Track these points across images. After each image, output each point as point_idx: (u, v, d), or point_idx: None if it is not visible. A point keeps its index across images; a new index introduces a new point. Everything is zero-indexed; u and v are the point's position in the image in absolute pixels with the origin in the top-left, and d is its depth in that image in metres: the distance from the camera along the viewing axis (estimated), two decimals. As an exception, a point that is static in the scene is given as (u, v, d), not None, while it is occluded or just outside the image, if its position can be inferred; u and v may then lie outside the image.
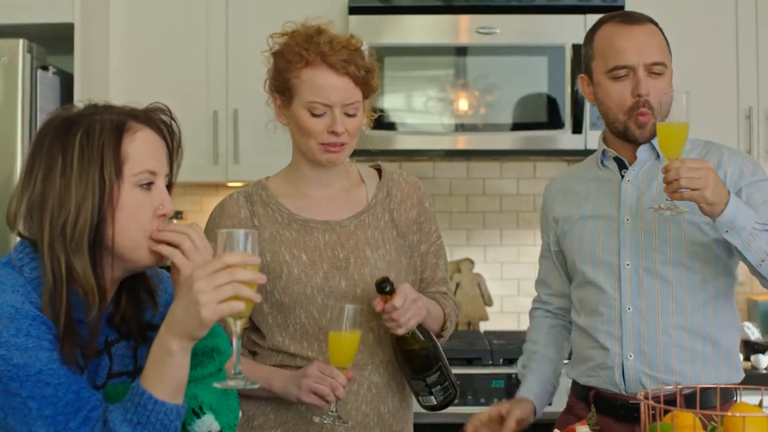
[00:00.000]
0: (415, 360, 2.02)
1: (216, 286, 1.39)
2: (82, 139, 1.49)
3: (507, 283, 3.91)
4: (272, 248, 2.06)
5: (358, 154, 2.29)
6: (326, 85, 1.99)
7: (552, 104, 3.37)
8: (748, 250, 1.94)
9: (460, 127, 3.41)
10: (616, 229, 2.16)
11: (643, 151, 2.16)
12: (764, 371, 3.24)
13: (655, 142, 2.12)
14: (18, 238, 1.57)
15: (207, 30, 3.55)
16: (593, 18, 2.38)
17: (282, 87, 2.04)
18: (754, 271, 1.99)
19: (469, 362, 3.21)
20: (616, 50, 2.10)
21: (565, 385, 2.32)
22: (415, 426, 2.23)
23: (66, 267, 1.47)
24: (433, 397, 2.06)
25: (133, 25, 3.56)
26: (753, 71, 3.48)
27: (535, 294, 2.43)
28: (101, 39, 3.52)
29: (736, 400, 1.94)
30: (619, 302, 2.14)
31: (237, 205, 2.12)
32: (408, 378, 2.07)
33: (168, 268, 1.57)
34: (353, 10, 3.40)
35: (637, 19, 2.14)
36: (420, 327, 2.01)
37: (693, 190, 1.88)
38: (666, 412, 1.61)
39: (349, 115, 2.02)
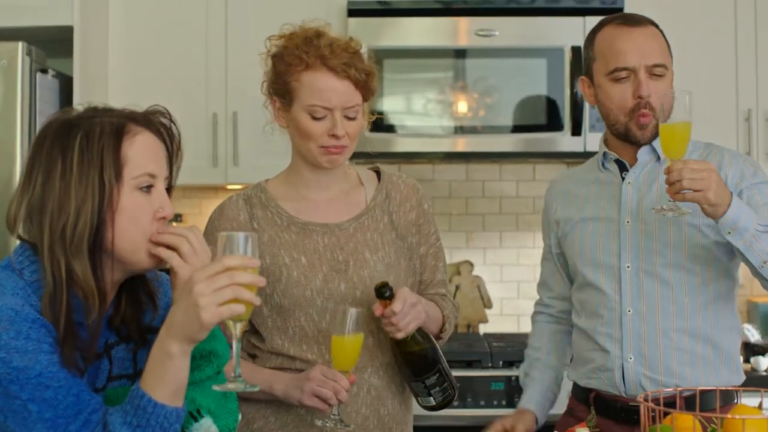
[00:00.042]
0: (414, 362, 2.02)
1: (216, 289, 1.39)
2: (81, 142, 1.49)
3: (506, 286, 3.91)
4: (271, 251, 2.06)
5: (357, 156, 2.29)
6: (327, 88, 1.99)
7: (551, 106, 3.37)
8: (751, 252, 1.94)
9: (460, 130, 3.41)
10: (617, 231, 2.16)
11: (643, 153, 2.16)
12: (764, 373, 3.24)
13: (655, 144, 2.13)
14: (18, 241, 1.57)
15: (206, 32, 3.55)
16: (592, 20, 2.38)
17: (282, 90, 2.04)
18: (755, 272, 1.99)
19: (468, 365, 3.21)
20: (617, 52, 2.10)
21: (565, 387, 2.33)
22: (415, 428, 2.23)
23: (66, 270, 1.47)
24: (432, 398, 2.07)
25: (132, 27, 3.56)
26: (752, 73, 3.48)
27: (537, 297, 2.43)
28: (100, 42, 3.52)
29: (736, 403, 1.94)
30: (620, 304, 2.14)
31: (236, 208, 2.12)
32: (407, 379, 2.07)
33: (168, 271, 1.57)
34: (352, 13, 3.40)
35: (638, 21, 2.14)
36: (419, 330, 2.01)
37: (695, 191, 1.87)
38: (666, 414, 1.61)
39: (350, 118, 2.02)
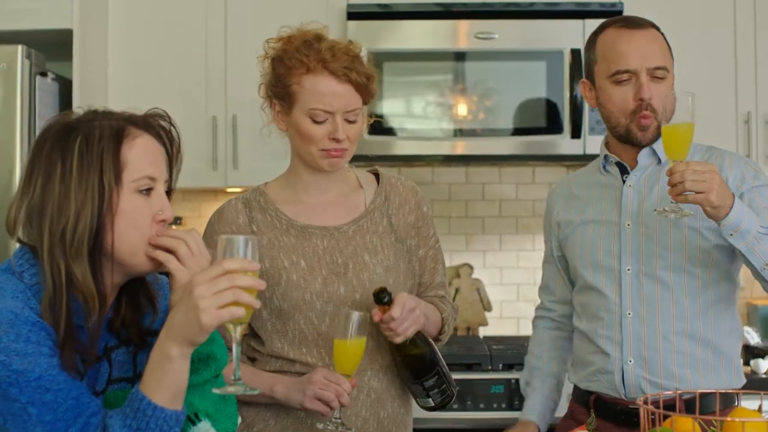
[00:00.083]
0: (413, 365, 2.03)
1: (216, 292, 1.39)
2: (81, 146, 1.49)
3: (506, 288, 3.91)
4: (271, 254, 2.06)
5: (356, 159, 2.29)
6: (328, 92, 1.99)
7: (551, 109, 3.37)
8: (753, 254, 1.94)
9: (459, 132, 3.41)
10: (617, 234, 2.16)
11: (644, 156, 2.16)
12: (764, 376, 3.24)
13: (656, 146, 2.13)
14: (18, 244, 1.57)
15: (206, 35, 3.55)
16: (592, 23, 2.39)
17: (282, 93, 2.04)
18: (757, 275, 1.99)
19: (468, 367, 3.20)
20: (618, 54, 2.10)
21: (566, 389, 2.33)
22: (415, 431, 2.23)
23: (66, 273, 1.47)
24: (430, 399, 2.07)
25: (131, 31, 3.56)
26: (751, 76, 3.48)
27: (537, 300, 2.43)
28: (100, 45, 3.52)
29: (736, 405, 1.94)
30: (620, 307, 2.13)
31: (235, 211, 2.12)
32: (406, 381, 2.08)
33: (167, 274, 1.57)
34: (352, 15, 3.40)
35: (639, 23, 2.14)
36: (418, 333, 2.01)
37: (698, 192, 1.87)
38: (665, 417, 1.60)
39: (350, 122, 2.02)
